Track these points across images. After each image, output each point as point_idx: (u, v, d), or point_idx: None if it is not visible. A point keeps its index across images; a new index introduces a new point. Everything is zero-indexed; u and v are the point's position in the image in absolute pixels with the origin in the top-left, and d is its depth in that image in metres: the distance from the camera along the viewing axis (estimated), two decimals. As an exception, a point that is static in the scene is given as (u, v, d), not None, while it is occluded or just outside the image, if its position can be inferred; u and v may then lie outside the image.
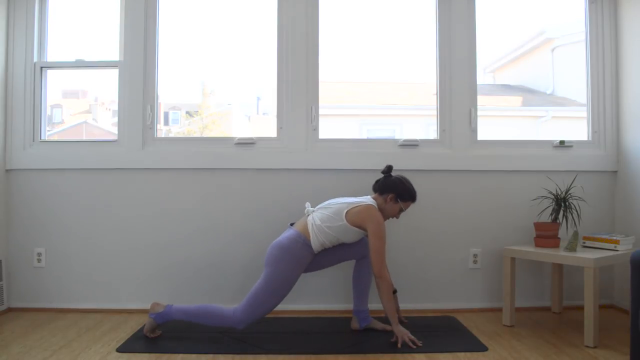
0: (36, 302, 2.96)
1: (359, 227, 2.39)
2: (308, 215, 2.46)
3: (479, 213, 3.01)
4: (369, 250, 2.51)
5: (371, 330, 2.55)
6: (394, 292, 2.64)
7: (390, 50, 3.38)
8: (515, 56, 3.99)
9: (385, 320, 2.59)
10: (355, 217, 2.38)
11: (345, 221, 2.37)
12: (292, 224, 2.51)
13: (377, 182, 2.55)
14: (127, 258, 2.97)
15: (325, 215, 2.41)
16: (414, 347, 2.29)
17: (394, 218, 2.56)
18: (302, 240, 2.37)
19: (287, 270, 2.35)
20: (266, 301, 2.34)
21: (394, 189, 2.48)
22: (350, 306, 2.67)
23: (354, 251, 2.55)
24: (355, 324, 2.58)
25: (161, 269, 2.96)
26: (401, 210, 2.52)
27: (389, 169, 2.57)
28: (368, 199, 2.47)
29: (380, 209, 2.47)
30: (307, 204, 2.53)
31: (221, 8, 3.30)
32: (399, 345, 2.31)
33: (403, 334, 2.34)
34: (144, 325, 2.47)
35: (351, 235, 2.42)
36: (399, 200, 2.48)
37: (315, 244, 2.39)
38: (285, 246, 2.36)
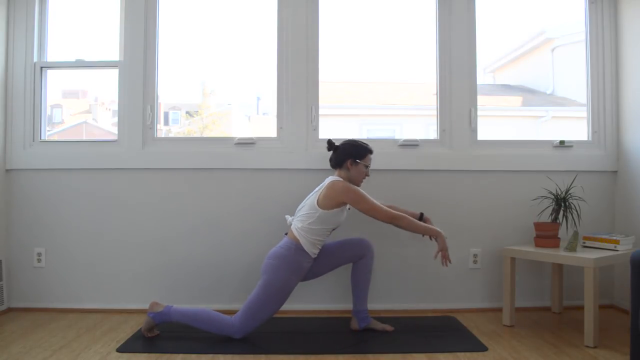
0: (36, 302, 2.96)
1: (336, 206, 2.38)
2: (291, 225, 2.48)
3: (479, 213, 3.01)
4: (366, 251, 2.53)
5: (371, 330, 2.55)
6: (420, 216, 2.62)
7: (390, 51, 3.38)
8: (515, 56, 3.98)
9: (385, 320, 2.60)
10: (326, 200, 2.38)
11: (320, 210, 2.37)
12: (286, 234, 2.52)
13: (330, 160, 2.56)
14: (127, 258, 2.97)
15: (303, 215, 2.43)
16: (448, 263, 2.39)
17: (367, 178, 2.54)
18: (294, 246, 2.39)
19: (283, 278, 2.35)
20: (263, 310, 2.35)
21: (347, 154, 2.49)
22: (349, 306, 2.67)
23: (351, 254, 2.55)
24: (354, 325, 2.57)
25: (161, 269, 2.96)
26: (367, 167, 2.51)
27: (331, 143, 2.56)
28: (330, 179, 2.47)
29: (349, 180, 2.47)
30: (287, 216, 2.55)
31: (221, 8, 3.30)
32: (435, 257, 2.42)
33: (443, 247, 2.39)
34: (144, 325, 2.47)
35: (334, 218, 2.42)
36: (357, 160, 2.47)
37: (307, 245, 2.40)
38: (280, 254, 2.38)
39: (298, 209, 2.51)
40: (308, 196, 2.51)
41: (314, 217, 2.39)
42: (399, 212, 2.42)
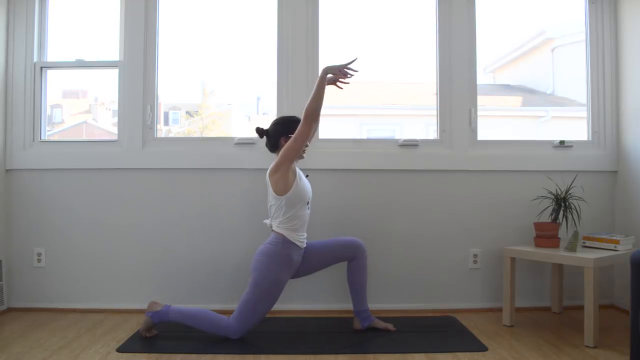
0: (36, 302, 2.96)
1: (289, 181, 2.36)
2: (272, 227, 2.46)
3: (479, 213, 3.01)
4: (357, 252, 2.53)
5: (373, 329, 2.55)
6: None
7: (390, 50, 3.38)
8: (515, 56, 3.98)
9: (384, 320, 2.60)
10: (277, 186, 2.36)
11: (282, 197, 2.36)
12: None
13: (266, 145, 2.54)
14: (127, 258, 2.97)
15: (275, 212, 2.42)
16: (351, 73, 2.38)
17: (307, 147, 2.50)
18: (281, 239, 2.38)
19: (274, 273, 2.35)
20: (257, 308, 2.35)
21: (279, 133, 2.48)
22: (349, 306, 2.67)
23: (342, 255, 2.55)
24: (357, 325, 2.57)
25: (161, 269, 2.96)
26: None
27: (259, 130, 2.54)
28: (267, 172, 2.46)
29: None
30: (265, 221, 2.52)
31: (221, 8, 3.29)
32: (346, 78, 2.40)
33: (337, 69, 2.36)
34: (143, 325, 2.47)
35: (298, 193, 2.38)
36: (290, 135, 2.43)
37: (293, 235, 2.39)
38: (268, 250, 2.38)
39: (269, 210, 2.49)
40: (268, 196, 2.50)
41: (284, 207, 2.38)
42: (303, 116, 2.34)
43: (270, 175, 2.40)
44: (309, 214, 2.51)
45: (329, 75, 2.39)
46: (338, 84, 2.45)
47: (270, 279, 2.34)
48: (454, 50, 3.05)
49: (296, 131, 2.34)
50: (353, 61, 2.39)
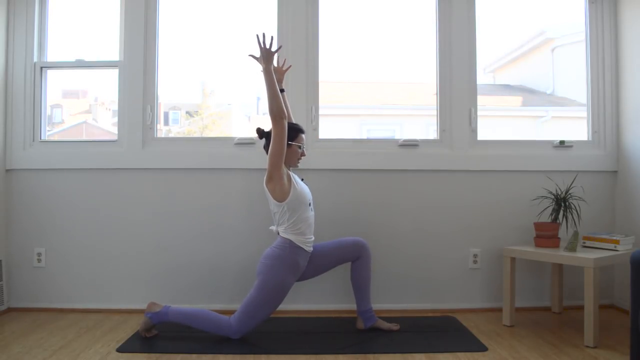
0: (36, 302, 2.96)
1: (285, 186, 2.35)
2: (278, 233, 2.45)
3: (479, 213, 3.01)
4: (361, 252, 2.53)
5: (375, 330, 2.54)
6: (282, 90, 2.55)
7: (390, 50, 3.38)
8: (515, 56, 3.98)
9: (387, 319, 2.60)
10: (275, 193, 2.36)
11: (283, 202, 2.35)
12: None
13: (264, 147, 2.51)
14: (127, 258, 2.97)
15: (278, 217, 2.42)
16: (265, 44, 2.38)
17: (302, 158, 2.52)
18: (289, 244, 2.38)
19: (279, 278, 2.35)
20: (259, 311, 2.34)
21: None
22: (350, 306, 2.66)
23: (346, 255, 2.55)
24: (360, 324, 2.57)
25: (161, 269, 2.96)
26: (300, 148, 2.48)
27: (260, 131, 2.52)
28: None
29: (286, 163, 2.42)
30: (271, 227, 2.51)
31: (221, 8, 3.29)
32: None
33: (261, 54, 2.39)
34: (143, 325, 2.47)
35: (298, 196, 2.37)
36: (290, 142, 2.42)
37: (300, 240, 2.39)
38: (275, 254, 2.37)
39: (272, 217, 2.48)
40: (269, 205, 2.49)
41: (287, 212, 2.38)
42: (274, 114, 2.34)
43: (265, 184, 2.40)
44: (314, 215, 2.51)
45: (266, 66, 2.38)
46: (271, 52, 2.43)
47: (275, 282, 2.34)
48: (454, 50, 3.05)
49: (272, 135, 2.33)
50: (262, 40, 2.39)
